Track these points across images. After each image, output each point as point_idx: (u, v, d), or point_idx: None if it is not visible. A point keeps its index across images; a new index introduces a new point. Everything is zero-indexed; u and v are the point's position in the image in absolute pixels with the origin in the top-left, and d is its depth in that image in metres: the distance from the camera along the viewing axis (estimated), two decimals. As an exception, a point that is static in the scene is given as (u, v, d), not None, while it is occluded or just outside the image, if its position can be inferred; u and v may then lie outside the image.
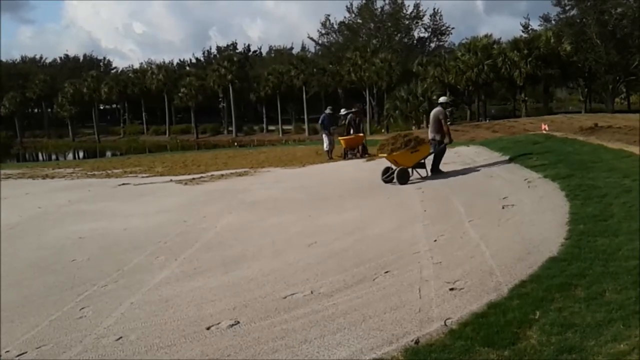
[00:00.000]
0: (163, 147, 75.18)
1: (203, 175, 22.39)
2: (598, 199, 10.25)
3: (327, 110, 27.08)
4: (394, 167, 16.70)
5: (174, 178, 21.87)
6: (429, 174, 17.07)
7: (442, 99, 18.48)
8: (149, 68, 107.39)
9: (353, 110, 27.53)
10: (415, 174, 16.90)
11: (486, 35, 76.96)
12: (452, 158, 18.16)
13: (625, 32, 71.46)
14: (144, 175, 24.14)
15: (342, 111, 28.98)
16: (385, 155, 17.04)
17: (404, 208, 12.91)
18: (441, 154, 17.49)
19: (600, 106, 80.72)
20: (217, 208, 14.75)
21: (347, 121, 26.74)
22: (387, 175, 16.77)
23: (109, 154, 73.84)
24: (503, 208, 11.20)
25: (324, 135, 26.52)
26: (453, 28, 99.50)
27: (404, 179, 16.29)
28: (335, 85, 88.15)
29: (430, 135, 17.84)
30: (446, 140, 17.51)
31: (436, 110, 17.91)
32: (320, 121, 26.80)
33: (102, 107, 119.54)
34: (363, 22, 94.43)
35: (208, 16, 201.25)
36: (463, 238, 9.33)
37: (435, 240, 9.38)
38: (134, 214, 14.64)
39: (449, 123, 18.44)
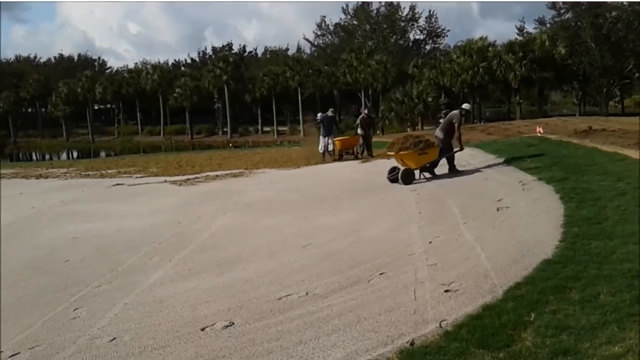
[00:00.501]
0: (157, 148, 75.07)
1: (198, 176, 22.41)
2: (592, 201, 10.26)
3: (329, 113, 27.10)
4: (400, 167, 16.71)
5: (168, 179, 21.88)
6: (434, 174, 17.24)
7: (464, 105, 18.46)
8: (143, 68, 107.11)
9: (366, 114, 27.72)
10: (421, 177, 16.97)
11: (481, 38, 77.26)
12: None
13: (620, 36, 71.70)
14: (138, 175, 24.16)
15: (319, 115, 29.04)
16: (392, 153, 17.07)
17: (400, 209, 12.91)
18: (452, 157, 17.53)
19: (595, 109, 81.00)
20: (212, 209, 14.75)
21: (358, 122, 26.81)
22: (392, 175, 16.79)
23: (103, 154, 73.67)
24: (498, 210, 11.20)
25: (320, 137, 26.53)
26: (448, 30, 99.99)
27: (408, 179, 16.29)
28: (330, 86, 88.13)
29: (436, 132, 17.96)
30: (456, 146, 17.61)
31: (453, 112, 17.97)
32: (324, 122, 26.73)
33: (96, 107, 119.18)
34: (359, 23, 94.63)
35: (203, 17, 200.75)
36: (458, 240, 9.33)
37: (430, 242, 9.38)
38: (128, 214, 14.64)
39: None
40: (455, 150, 17.69)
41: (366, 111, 27.81)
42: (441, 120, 19.02)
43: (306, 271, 8.44)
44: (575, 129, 28.32)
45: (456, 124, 17.52)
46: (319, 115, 29.22)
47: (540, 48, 70.63)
